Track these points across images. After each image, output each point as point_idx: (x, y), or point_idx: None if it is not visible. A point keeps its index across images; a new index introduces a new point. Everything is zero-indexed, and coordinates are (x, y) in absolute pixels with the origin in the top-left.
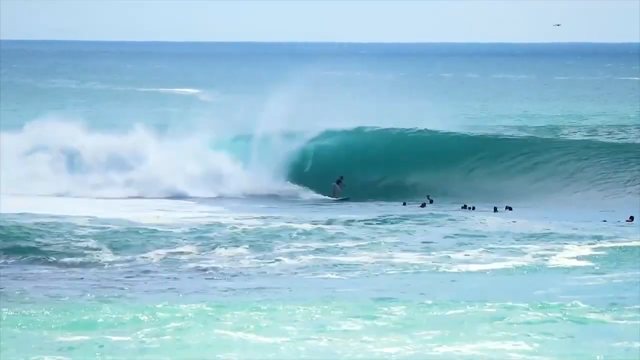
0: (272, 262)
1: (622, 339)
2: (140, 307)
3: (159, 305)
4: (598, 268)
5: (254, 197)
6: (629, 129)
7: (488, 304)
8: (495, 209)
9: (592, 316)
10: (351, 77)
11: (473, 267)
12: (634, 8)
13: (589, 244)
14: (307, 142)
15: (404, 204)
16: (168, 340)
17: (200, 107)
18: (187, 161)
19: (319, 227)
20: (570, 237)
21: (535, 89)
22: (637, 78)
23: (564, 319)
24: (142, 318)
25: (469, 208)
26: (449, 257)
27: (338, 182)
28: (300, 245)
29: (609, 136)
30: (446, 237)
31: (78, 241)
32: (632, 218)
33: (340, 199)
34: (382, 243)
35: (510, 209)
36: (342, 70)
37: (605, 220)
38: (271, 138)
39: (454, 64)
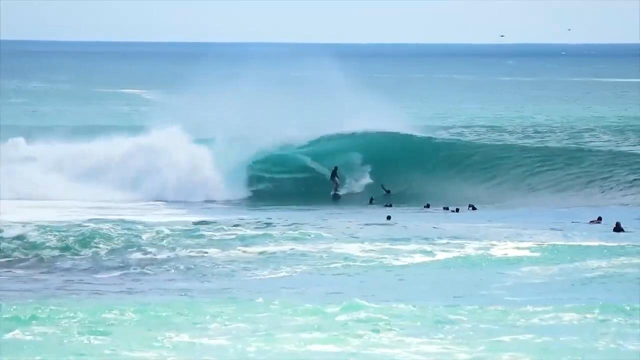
0: (215, 260)
1: (566, 337)
2: (68, 309)
3: (87, 307)
4: (551, 266)
5: (201, 202)
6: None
7: (432, 304)
8: (457, 210)
9: (539, 315)
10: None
11: (418, 265)
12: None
13: (549, 243)
14: (267, 146)
15: (371, 201)
16: (101, 340)
17: (169, 108)
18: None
19: (261, 227)
20: (529, 236)
21: (479, 89)
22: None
23: (509, 318)
24: (73, 316)
25: (444, 209)
26: (396, 255)
27: (333, 174)
28: (240, 243)
29: (587, 139)
30: (399, 235)
31: (15, 242)
32: (600, 219)
33: (339, 193)
34: (321, 240)
35: (474, 208)
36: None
37: (578, 222)
38: (224, 141)
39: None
